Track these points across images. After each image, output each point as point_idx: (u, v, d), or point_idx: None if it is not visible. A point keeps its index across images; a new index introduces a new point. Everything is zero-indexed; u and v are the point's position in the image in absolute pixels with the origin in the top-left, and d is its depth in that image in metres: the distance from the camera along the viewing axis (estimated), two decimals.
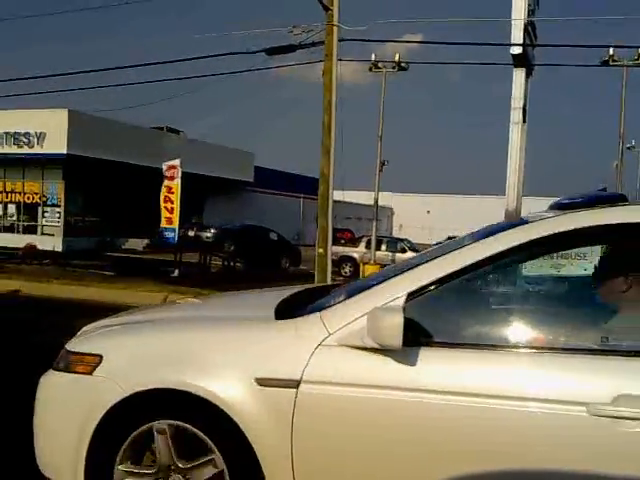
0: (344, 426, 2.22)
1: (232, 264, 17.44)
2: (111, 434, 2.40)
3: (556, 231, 2.24)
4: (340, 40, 13.28)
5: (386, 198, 47.89)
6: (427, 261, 2.39)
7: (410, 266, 2.44)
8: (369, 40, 13.44)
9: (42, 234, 25.41)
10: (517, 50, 15.20)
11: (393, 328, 2.06)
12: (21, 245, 20.73)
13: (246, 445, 2.26)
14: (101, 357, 2.49)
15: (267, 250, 20.14)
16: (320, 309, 2.38)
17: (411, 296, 2.21)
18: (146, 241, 27.86)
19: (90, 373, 2.47)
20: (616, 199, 2.34)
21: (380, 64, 20.42)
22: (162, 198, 16.39)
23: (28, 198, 25.95)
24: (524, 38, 15.13)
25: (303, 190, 43.68)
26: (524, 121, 16.36)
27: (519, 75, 15.79)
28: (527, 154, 16.96)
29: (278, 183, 39.42)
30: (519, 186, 16.29)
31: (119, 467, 2.41)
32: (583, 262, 2.82)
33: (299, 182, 43.89)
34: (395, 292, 2.23)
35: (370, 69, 20.47)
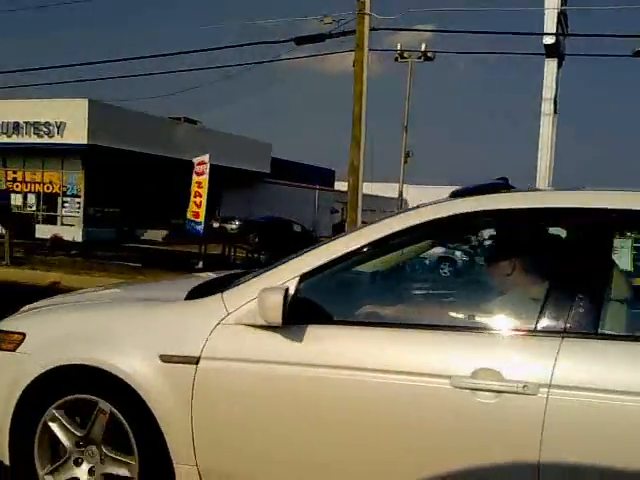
0: (237, 400, 2.37)
1: (256, 256, 17.36)
2: (31, 406, 2.57)
3: (435, 217, 2.43)
4: (371, 29, 13.12)
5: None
6: (325, 243, 2.57)
7: (310, 249, 2.57)
8: (401, 29, 13.27)
9: (62, 224, 25.41)
10: (550, 40, 14.94)
11: (274, 306, 2.22)
12: (42, 235, 20.78)
13: (153, 420, 2.40)
14: (24, 335, 2.66)
15: (291, 242, 20.04)
16: (224, 290, 2.52)
17: (305, 277, 2.37)
18: (165, 232, 27.87)
19: (14, 350, 2.65)
20: (500, 187, 2.49)
21: (406, 54, 20.21)
22: (192, 193, 16.48)
23: (47, 188, 25.94)
24: (557, 28, 14.87)
25: (318, 181, 43.55)
26: (555, 112, 16.11)
27: (551, 65, 15.53)
28: (558, 146, 16.66)
29: (293, 174, 39.25)
30: (550, 179, 16.05)
31: (53, 410, 2.56)
32: None
33: (314, 173, 43.75)
34: (289, 273, 2.39)
35: (396, 59, 20.26)
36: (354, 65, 13.20)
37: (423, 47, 19.34)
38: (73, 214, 25.53)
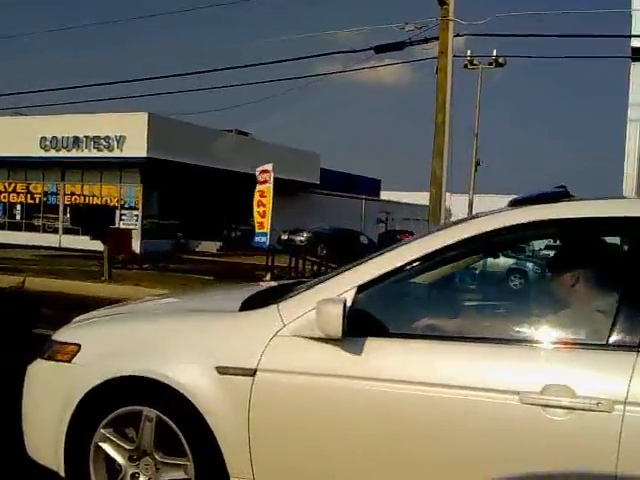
0: (295, 413, 2.33)
1: (326, 269, 17.03)
2: (87, 418, 2.55)
3: (494, 227, 2.34)
4: (455, 36, 12.76)
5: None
6: (381, 254, 2.49)
7: (366, 259, 2.51)
8: (485, 34, 12.86)
9: None
10: (639, 43, 14.34)
11: (333, 319, 2.17)
12: (100, 249, 20.81)
13: (208, 432, 2.37)
14: (79, 346, 2.64)
15: (358, 253, 19.66)
16: (279, 301, 2.49)
17: (362, 288, 2.31)
18: (219, 243, 27.87)
19: (69, 361, 2.64)
20: (561, 195, 2.41)
21: (476, 60, 19.79)
22: (255, 203, 16.31)
23: (106, 201, 26.16)
24: None
25: (364, 191, 43.25)
26: None
27: (638, 69, 14.90)
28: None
29: (340, 184, 39.03)
30: (636, 187, 15.39)
31: (102, 430, 2.55)
32: None
33: (360, 183, 43.48)
34: (346, 285, 2.34)
35: (465, 66, 19.81)
36: (436, 72, 12.85)
37: (494, 53, 19.02)
38: (131, 227, 25.64)
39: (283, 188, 30.78)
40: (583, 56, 23.72)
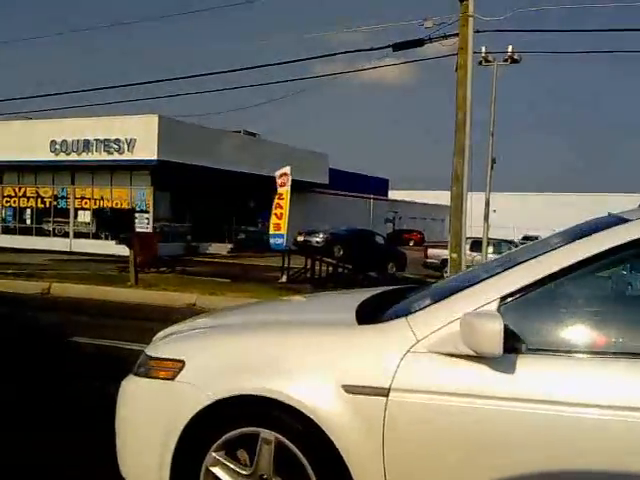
0: (439, 437, 2.12)
1: (343, 270, 16.90)
2: (196, 440, 2.37)
3: None
4: (475, 32, 12.61)
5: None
6: (519, 263, 2.28)
7: (500, 268, 2.33)
8: (506, 30, 12.70)
9: None
10: None
11: (492, 335, 1.97)
12: (112, 252, 20.66)
13: (335, 455, 2.19)
14: (183, 362, 2.44)
15: (374, 254, 19.62)
16: (406, 313, 2.30)
17: (504, 300, 2.13)
18: (230, 245, 27.76)
19: (172, 379, 2.44)
20: None
21: (491, 57, 19.59)
22: (274, 205, 16.31)
23: (116, 204, 26.04)
24: None
25: (372, 190, 43.14)
26: None
27: None
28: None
29: (348, 184, 38.90)
30: None
31: (213, 453, 2.37)
32: None
33: (368, 182, 43.37)
34: (487, 296, 2.15)
35: (480, 62, 19.64)
36: (456, 69, 12.69)
37: (510, 48, 18.81)
38: (142, 229, 25.53)
39: (292, 188, 30.62)
40: (602, 51, 23.45)
